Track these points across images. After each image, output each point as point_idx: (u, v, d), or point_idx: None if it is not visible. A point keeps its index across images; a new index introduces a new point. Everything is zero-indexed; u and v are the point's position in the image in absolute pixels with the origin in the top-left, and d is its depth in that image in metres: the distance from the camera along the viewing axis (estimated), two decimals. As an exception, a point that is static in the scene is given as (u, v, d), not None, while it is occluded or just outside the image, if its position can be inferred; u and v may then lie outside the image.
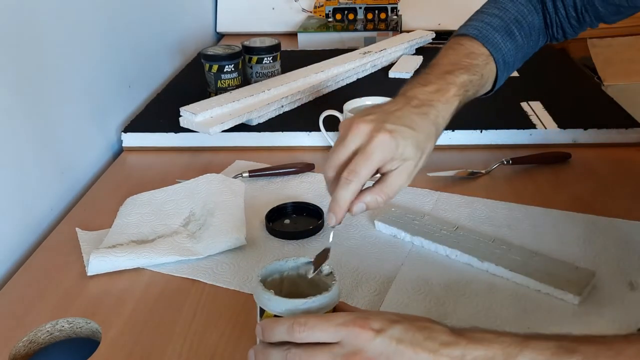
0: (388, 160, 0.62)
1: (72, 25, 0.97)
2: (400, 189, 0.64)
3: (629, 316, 0.64)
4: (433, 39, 1.50)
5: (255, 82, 1.21)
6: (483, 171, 0.94)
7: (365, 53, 1.34)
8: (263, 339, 0.53)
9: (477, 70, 0.74)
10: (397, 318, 0.51)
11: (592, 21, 0.83)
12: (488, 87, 0.79)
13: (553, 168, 0.95)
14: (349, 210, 0.63)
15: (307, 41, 1.60)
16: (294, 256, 0.60)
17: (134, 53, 1.21)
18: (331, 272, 0.58)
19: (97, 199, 0.93)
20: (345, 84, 1.28)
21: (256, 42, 1.24)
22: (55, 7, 0.92)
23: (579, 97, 1.19)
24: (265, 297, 0.54)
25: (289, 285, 0.60)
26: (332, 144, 1.00)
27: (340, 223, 0.63)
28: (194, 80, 1.27)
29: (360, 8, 1.65)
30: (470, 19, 0.82)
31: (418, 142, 0.64)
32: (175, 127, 1.06)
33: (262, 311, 0.55)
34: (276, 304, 0.54)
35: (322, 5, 1.68)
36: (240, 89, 1.14)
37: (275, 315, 0.54)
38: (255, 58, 1.22)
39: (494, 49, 0.77)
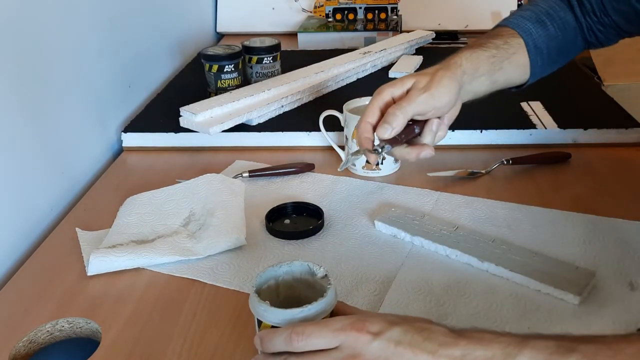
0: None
1: (72, 26, 0.97)
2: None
3: (629, 316, 0.64)
4: (433, 39, 1.49)
5: (255, 82, 1.21)
6: (483, 171, 0.94)
7: (365, 53, 1.34)
8: (262, 350, 0.53)
9: (492, 42, 0.80)
10: (395, 320, 0.51)
11: (615, 28, 0.84)
12: (521, 64, 0.82)
13: (553, 168, 0.95)
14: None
15: (307, 41, 1.60)
16: (288, 260, 0.60)
17: (134, 53, 1.21)
18: (326, 275, 0.58)
19: (97, 199, 0.93)
20: (345, 84, 1.28)
21: (256, 42, 1.24)
22: (55, 7, 0.92)
23: (579, 97, 1.19)
24: (261, 309, 0.54)
25: (285, 290, 0.60)
26: (332, 144, 1.00)
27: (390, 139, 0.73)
28: (194, 80, 1.27)
29: (360, 8, 1.65)
30: None
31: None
32: (175, 127, 1.06)
33: (260, 321, 0.55)
34: (273, 315, 0.53)
35: (322, 5, 1.68)
36: (240, 89, 1.14)
37: (273, 326, 0.53)
38: (255, 58, 1.22)
39: (522, 32, 0.82)
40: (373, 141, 0.74)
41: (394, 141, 0.73)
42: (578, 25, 0.85)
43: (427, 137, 0.76)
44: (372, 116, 0.75)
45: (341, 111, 0.97)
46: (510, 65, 0.81)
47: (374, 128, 0.74)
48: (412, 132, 0.75)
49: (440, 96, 0.73)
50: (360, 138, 0.75)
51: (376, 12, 1.65)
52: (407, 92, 0.74)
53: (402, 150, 0.77)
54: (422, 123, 0.76)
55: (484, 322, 0.64)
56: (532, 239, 0.77)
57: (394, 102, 0.75)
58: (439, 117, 0.76)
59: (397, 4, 1.64)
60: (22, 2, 0.83)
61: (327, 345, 0.50)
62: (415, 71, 1.30)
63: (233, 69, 1.16)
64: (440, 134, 0.77)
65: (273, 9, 1.74)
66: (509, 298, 0.68)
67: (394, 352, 0.49)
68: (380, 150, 0.73)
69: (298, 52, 1.51)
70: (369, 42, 1.50)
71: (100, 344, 0.64)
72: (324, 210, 0.83)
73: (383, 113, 0.74)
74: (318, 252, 0.77)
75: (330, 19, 1.67)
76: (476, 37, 0.83)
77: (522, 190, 0.89)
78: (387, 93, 0.75)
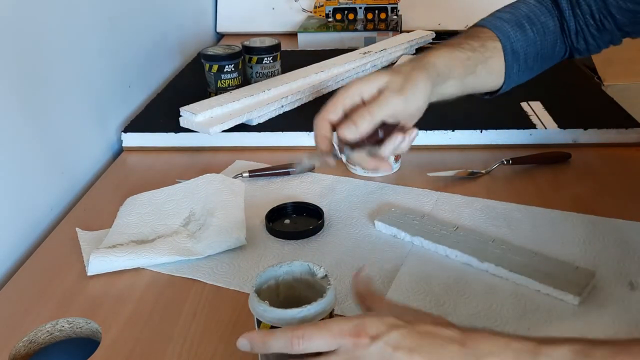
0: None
1: (72, 26, 0.97)
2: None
3: (629, 316, 0.64)
4: (433, 39, 1.49)
5: (255, 82, 1.21)
6: (483, 171, 0.94)
7: (365, 53, 1.34)
8: (258, 352, 0.53)
9: (468, 44, 0.77)
10: (396, 323, 0.49)
11: (613, 31, 0.81)
12: (495, 70, 0.79)
13: (553, 168, 0.95)
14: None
15: (307, 41, 1.60)
16: (288, 260, 0.60)
17: (134, 53, 1.21)
18: (325, 275, 0.58)
19: (97, 199, 0.93)
20: (345, 84, 1.27)
21: (256, 42, 1.24)
22: (55, 7, 0.92)
23: (579, 97, 1.19)
24: (260, 309, 0.54)
25: (285, 290, 0.60)
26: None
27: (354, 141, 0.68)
28: (194, 80, 1.27)
29: (360, 8, 1.65)
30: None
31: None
32: (175, 127, 1.06)
33: (260, 321, 0.55)
34: (272, 315, 0.53)
35: (322, 5, 1.68)
36: (240, 89, 1.14)
37: (273, 326, 0.53)
38: (255, 58, 1.22)
39: (501, 34, 0.79)
40: (331, 141, 0.69)
41: (355, 145, 0.68)
42: (561, 30, 0.82)
43: (388, 147, 0.70)
44: (334, 113, 0.68)
45: (341, 111, 0.97)
46: (484, 70, 0.78)
47: (334, 127, 0.69)
48: (375, 136, 0.69)
49: (415, 100, 0.69)
50: (317, 136, 0.69)
51: (376, 12, 1.65)
52: (379, 92, 0.68)
53: (361, 157, 0.71)
54: (388, 128, 0.70)
55: (484, 322, 0.64)
56: (532, 239, 0.77)
57: (362, 101, 0.69)
58: (403, 132, 0.70)
59: (397, 4, 1.64)
60: (22, 2, 0.83)
61: (326, 348, 0.50)
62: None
63: (233, 69, 1.16)
64: (403, 146, 0.71)
65: (273, 9, 1.74)
66: (509, 298, 0.68)
67: (392, 356, 0.48)
68: (339, 154, 0.68)
69: (298, 52, 1.51)
70: (369, 42, 1.50)
71: (100, 344, 0.64)
72: (324, 210, 0.83)
73: (346, 112, 0.69)
74: (318, 252, 0.77)
75: (330, 19, 1.67)
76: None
77: (522, 190, 0.89)
78: (355, 90, 0.68)
